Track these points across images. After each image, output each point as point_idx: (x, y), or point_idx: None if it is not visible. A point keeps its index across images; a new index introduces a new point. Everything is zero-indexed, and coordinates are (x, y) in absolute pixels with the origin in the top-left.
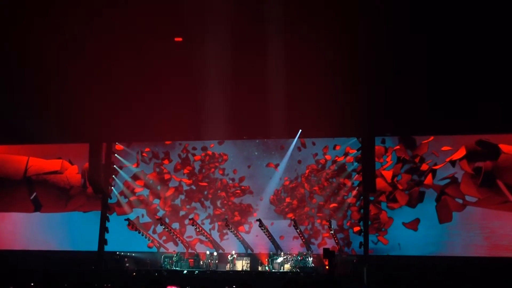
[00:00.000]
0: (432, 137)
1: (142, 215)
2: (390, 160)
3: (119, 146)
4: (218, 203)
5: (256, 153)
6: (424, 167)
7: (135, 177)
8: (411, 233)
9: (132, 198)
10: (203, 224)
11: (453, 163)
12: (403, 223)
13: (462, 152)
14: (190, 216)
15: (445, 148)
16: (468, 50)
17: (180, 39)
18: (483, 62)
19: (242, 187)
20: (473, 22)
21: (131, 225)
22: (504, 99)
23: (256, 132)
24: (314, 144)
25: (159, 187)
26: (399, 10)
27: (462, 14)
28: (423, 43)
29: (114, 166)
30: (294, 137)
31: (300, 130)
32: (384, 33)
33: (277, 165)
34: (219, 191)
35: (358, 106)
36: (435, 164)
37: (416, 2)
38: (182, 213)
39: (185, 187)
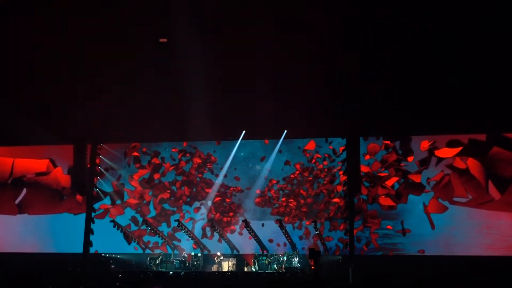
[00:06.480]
0: (421, 137)
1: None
2: (380, 159)
3: (104, 147)
4: (208, 203)
5: (242, 154)
6: (413, 167)
7: (121, 178)
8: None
9: (120, 200)
10: (193, 229)
11: (440, 162)
12: (389, 226)
13: (452, 151)
14: (176, 218)
15: (426, 144)
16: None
17: (165, 40)
18: (470, 61)
19: (231, 188)
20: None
21: (118, 227)
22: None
23: (242, 132)
24: (300, 143)
25: (146, 189)
26: (386, 10)
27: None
28: (409, 44)
29: (99, 167)
30: (280, 138)
31: (286, 131)
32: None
33: (262, 159)
34: (207, 192)
35: (344, 106)
36: (425, 165)
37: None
38: (169, 214)
39: (173, 188)
